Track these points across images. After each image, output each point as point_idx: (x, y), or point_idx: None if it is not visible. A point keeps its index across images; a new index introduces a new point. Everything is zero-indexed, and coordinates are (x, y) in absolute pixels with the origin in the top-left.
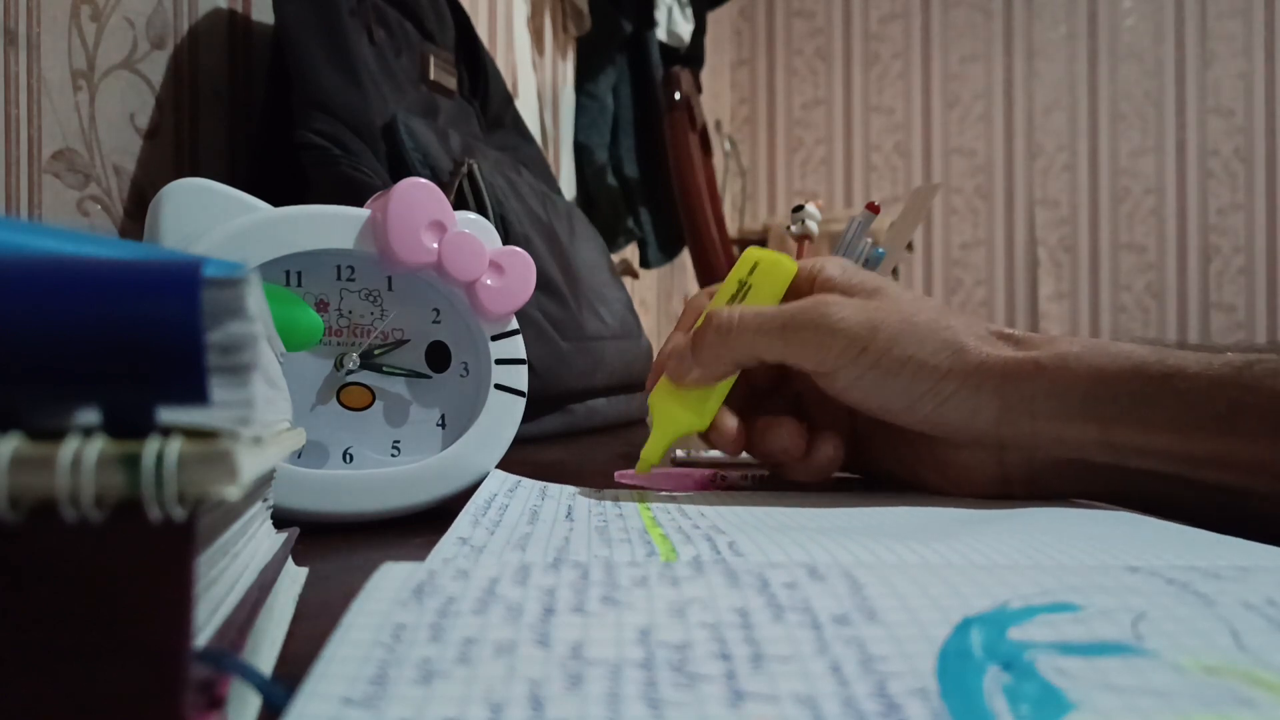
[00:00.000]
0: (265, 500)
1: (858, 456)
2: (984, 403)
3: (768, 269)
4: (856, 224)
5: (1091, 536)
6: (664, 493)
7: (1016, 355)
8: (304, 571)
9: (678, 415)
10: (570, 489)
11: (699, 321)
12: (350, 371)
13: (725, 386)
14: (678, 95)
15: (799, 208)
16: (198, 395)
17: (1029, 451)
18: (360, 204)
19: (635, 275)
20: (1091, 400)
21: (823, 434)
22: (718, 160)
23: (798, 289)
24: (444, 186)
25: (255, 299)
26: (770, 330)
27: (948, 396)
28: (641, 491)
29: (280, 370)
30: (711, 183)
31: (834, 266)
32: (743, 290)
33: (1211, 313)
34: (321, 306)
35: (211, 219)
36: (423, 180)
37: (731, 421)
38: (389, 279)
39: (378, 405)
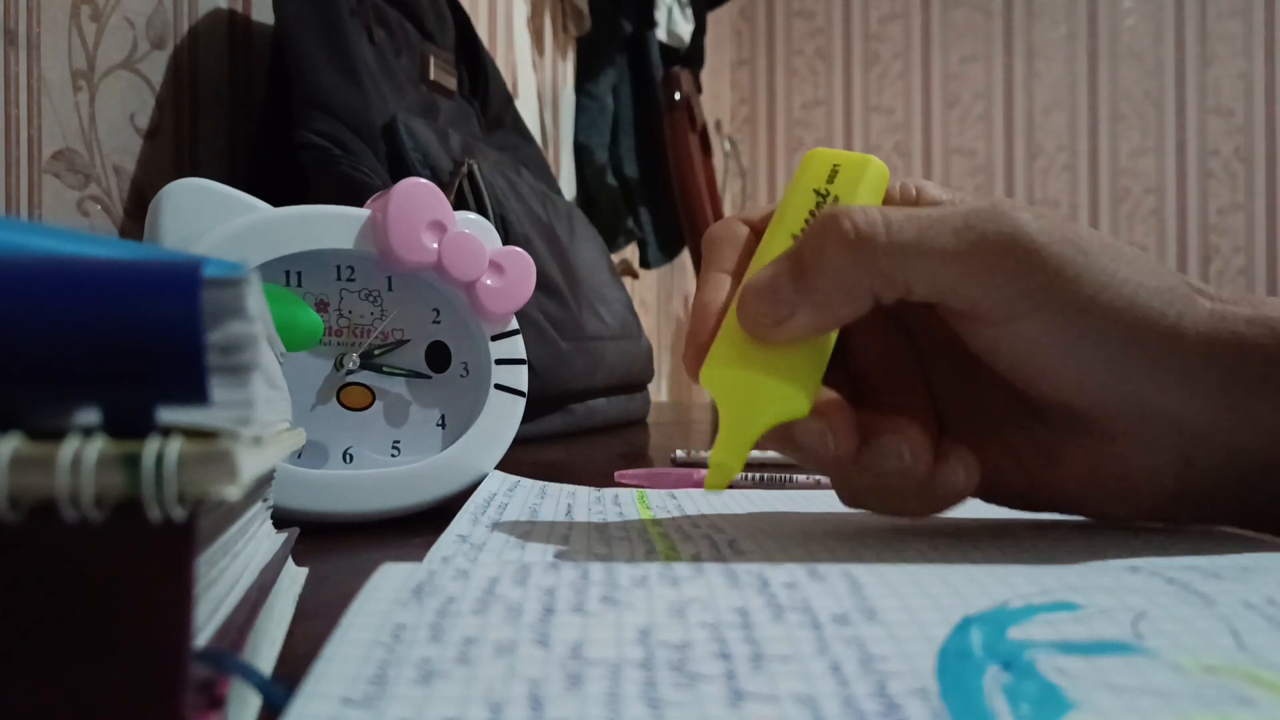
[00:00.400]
0: (265, 500)
1: None
2: (1211, 376)
3: (854, 171)
4: None
5: (1095, 538)
6: (663, 492)
7: (1243, 313)
8: (304, 571)
9: (766, 389)
10: (570, 488)
11: (754, 267)
12: (350, 371)
13: (830, 342)
14: (678, 95)
15: None
16: (198, 395)
17: (1230, 451)
18: (360, 204)
19: (635, 275)
20: None
21: (956, 447)
22: (718, 160)
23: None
24: (444, 186)
25: (255, 299)
26: (939, 245)
27: (1174, 364)
28: (641, 491)
29: (280, 370)
30: (711, 183)
31: (935, 188)
32: (826, 202)
33: None
34: (321, 306)
35: (211, 219)
36: (423, 180)
37: (843, 406)
38: (389, 279)
39: (378, 405)
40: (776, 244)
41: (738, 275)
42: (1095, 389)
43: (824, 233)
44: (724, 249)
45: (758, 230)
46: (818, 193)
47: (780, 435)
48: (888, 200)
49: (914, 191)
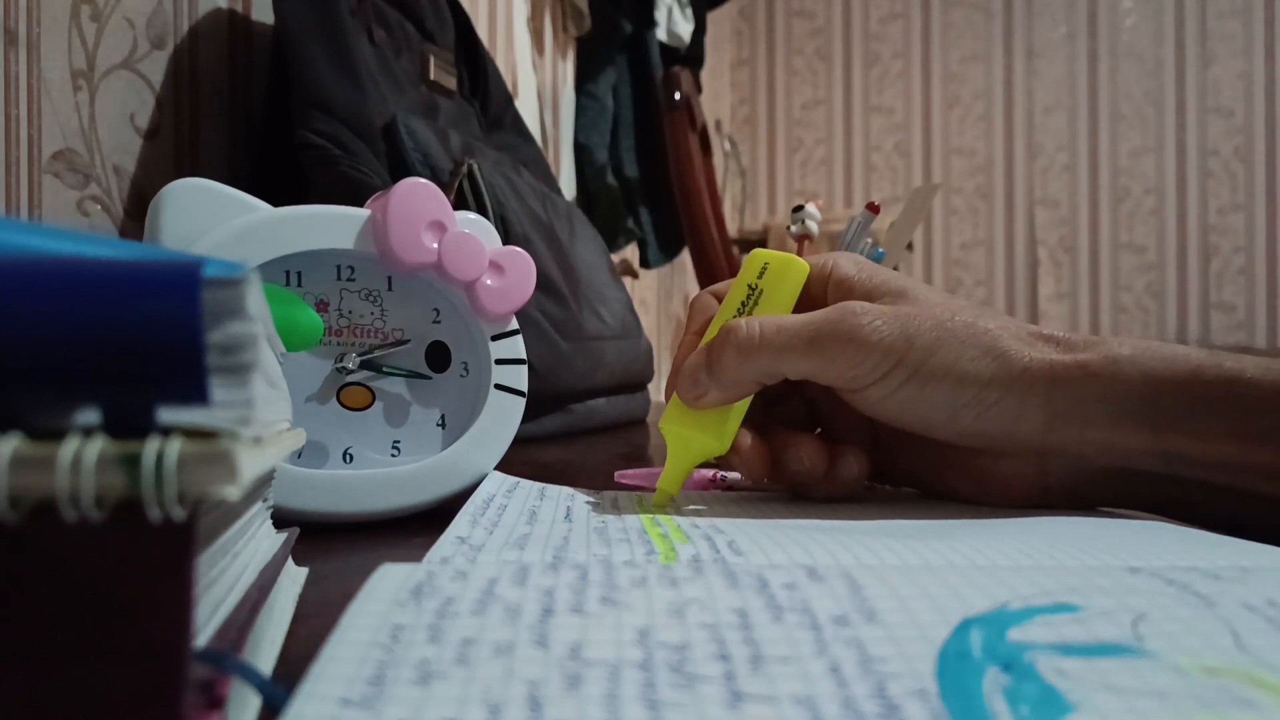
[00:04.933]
0: (265, 500)
1: (882, 466)
2: (1029, 411)
3: (779, 271)
4: (856, 224)
5: (1096, 538)
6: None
7: (1063, 359)
8: (304, 571)
9: (693, 439)
10: (569, 490)
11: (709, 334)
12: (350, 371)
13: (744, 405)
14: (678, 95)
15: (799, 208)
16: (198, 395)
17: (1074, 460)
18: (360, 204)
19: (635, 275)
20: (1145, 407)
21: (845, 448)
22: (718, 160)
23: (810, 290)
24: (444, 186)
25: (255, 299)
26: (796, 346)
27: (990, 405)
28: (641, 492)
29: (280, 370)
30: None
31: (847, 263)
32: (753, 295)
33: (1211, 313)
34: (321, 306)
35: (211, 219)
36: (423, 180)
37: (753, 443)
38: (389, 279)
39: (378, 405)
40: (717, 326)
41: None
42: (944, 427)
43: (721, 340)
44: (695, 318)
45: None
46: (750, 286)
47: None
48: (810, 281)
49: (829, 269)
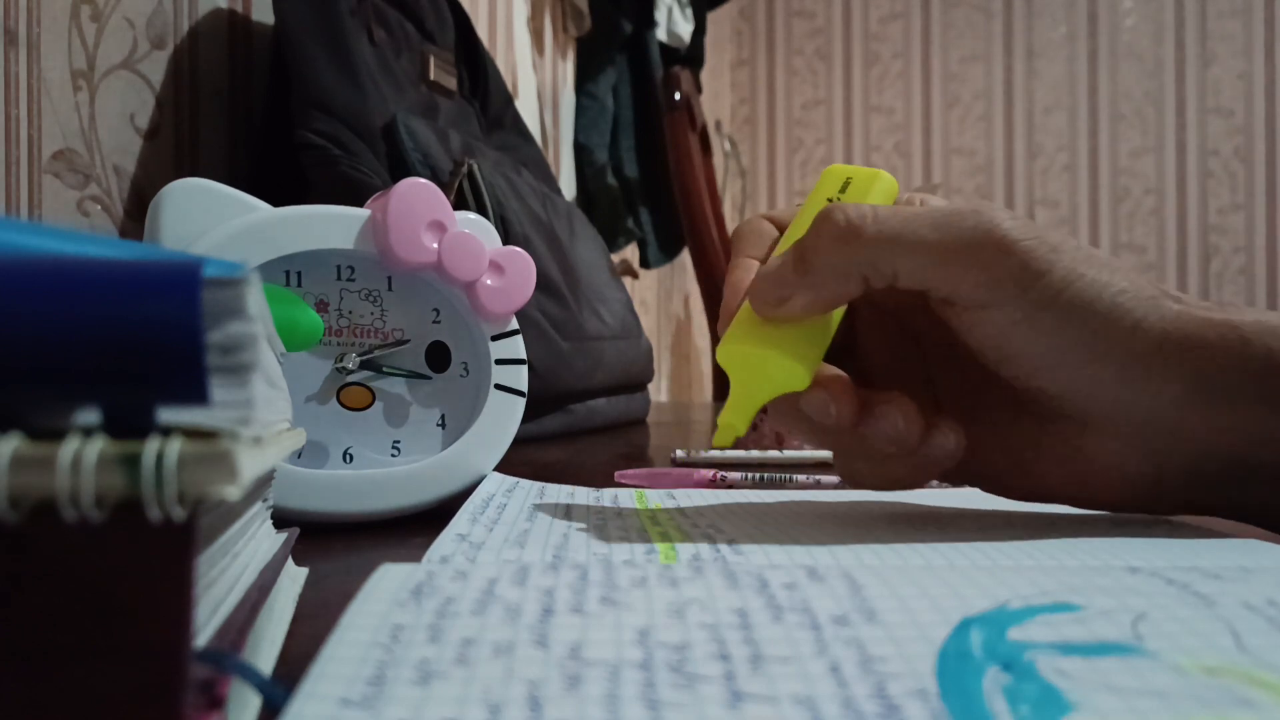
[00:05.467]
0: (265, 500)
1: None
2: (1171, 377)
3: (864, 185)
4: None
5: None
6: (662, 492)
7: (1212, 317)
8: (304, 571)
9: (770, 360)
10: (569, 488)
11: (779, 250)
12: (350, 371)
13: (831, 324)
14: (678, 95)
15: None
16: (198, 395)
17: (1200, 448)
18: (360, 204)
19: (635, 275)
20: None
21: (942, 417)
22: (718, 160)
23: None
24: (444, 186)
25: (255, 299)
26: (920, 235)
27: (1134, 359)
28: (641, 491)
29: (280, 370)
30: (711, 183)
31: (936, 200)
32: None
33: None
34: (321, 306)
35: (211, 219)
36: (423, 180)
37: (843, 379)
38: (389, 279)
39: (378, 405)
40: (790, 241)
41: (764, 263)
42: (1062, 376)
43: (819, 224)
44: (752, 239)
45: (780, 227)
46: (830, 201)
47: (788, 409)
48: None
49: (918, 203)
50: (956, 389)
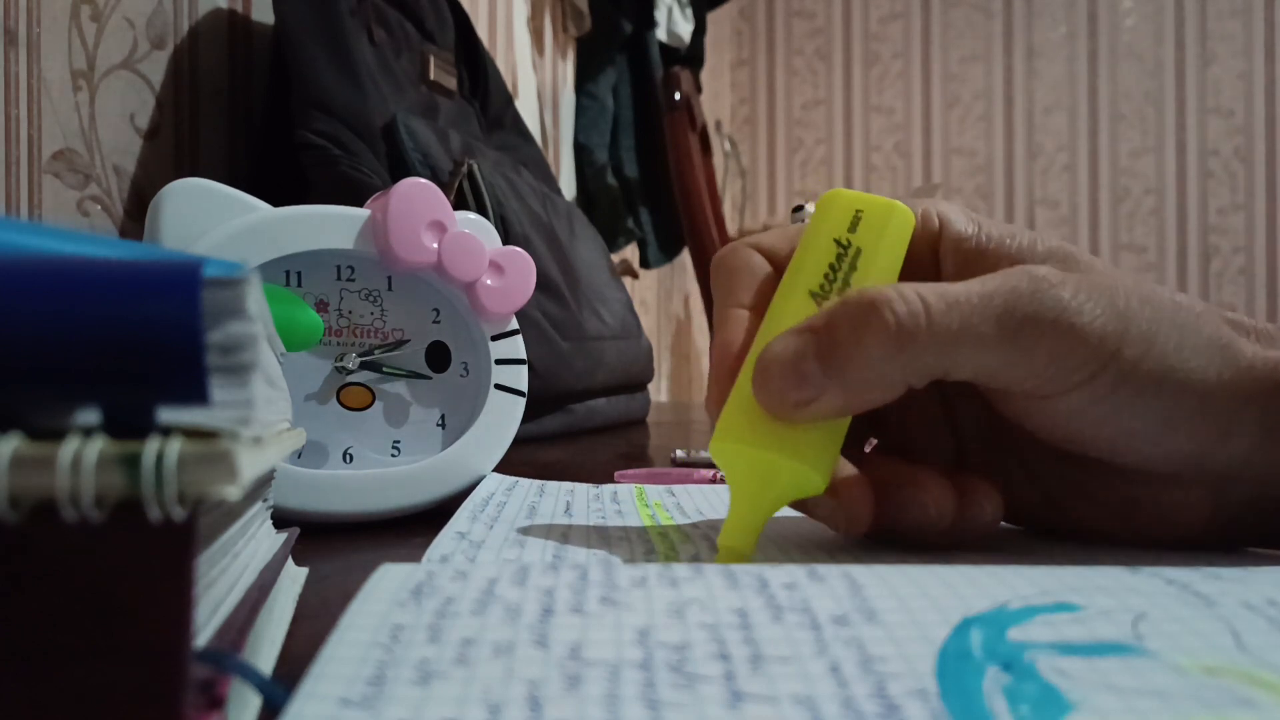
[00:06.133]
0: (265, 500)
1: None
2: (1245, 423)
3: (878, 221)
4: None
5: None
6: (662, 487)
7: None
8: (304, 571)
9: (783, 469)
10: (568, 485)
11: (779, 315)
12: (350, 371)
13: (847, 422)
14: (678, 95)
15: (799, 208)
16: (198, 395)
17: (1263, 487)
18: (360, 204)
19: (635, 275)
20: None
21: (975, 483)
22: (718, 160)
23: (915, 251)
24: (444, 186)
25: (255, 299)
26: (982, 334)
27: (1208, 421)
28: (640, 486)
29: (280, 370)
30: (711, 183)
31: (962, 218)
32: (847, 257)
33: None
34: (321, 306)
35: (211, 219)
36: (423, 180)
37: (858, 479)
38: (389, 279)
39: (378, 405)
40: (794, 302)
41: (757, 312)
42: (1129, 451)
43: (862, 319)
44: (739, 281)
45: (771, 258)
46: (838, 243)
47: (796, 504)
48: (914, 238)
49: (936, 223)
50: (985, 437)
